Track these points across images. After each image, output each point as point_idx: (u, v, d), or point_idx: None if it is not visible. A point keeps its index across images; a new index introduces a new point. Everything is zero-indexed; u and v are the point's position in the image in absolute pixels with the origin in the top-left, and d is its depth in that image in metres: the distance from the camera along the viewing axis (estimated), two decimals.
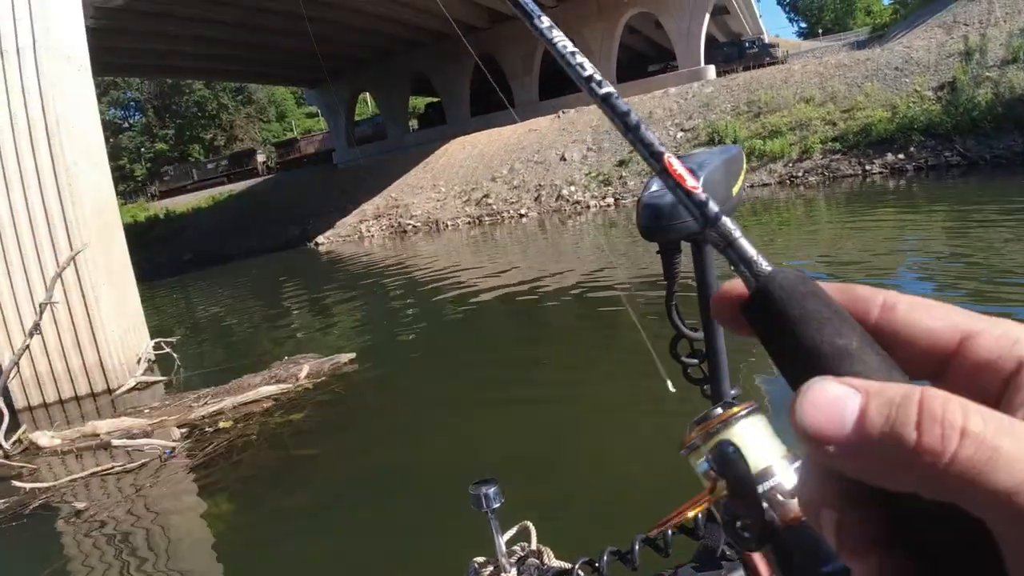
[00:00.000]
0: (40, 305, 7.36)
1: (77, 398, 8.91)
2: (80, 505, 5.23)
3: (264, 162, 47.98)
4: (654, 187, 1.03)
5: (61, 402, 8.87)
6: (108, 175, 9.62)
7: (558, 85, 33.72)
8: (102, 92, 64.63)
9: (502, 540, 1.46)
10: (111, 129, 66.95)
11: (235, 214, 40.00)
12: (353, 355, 8.09)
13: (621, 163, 25.78)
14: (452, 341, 9.58)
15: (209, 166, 51.89)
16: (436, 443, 5.77)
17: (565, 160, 27.80)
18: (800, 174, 21.15)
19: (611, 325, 8.71)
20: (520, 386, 6.85)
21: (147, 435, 6.63)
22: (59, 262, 8.38)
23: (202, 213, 43.69)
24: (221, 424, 6.48)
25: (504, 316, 10.84)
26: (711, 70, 29.96)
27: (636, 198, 1.07)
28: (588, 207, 24.88)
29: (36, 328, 7.16)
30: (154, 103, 64.78)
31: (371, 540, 4.35)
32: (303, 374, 7.49)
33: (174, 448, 6.02)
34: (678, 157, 0.77)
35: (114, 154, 65.04)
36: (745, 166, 1.17)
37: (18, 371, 8.55)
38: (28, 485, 5.68)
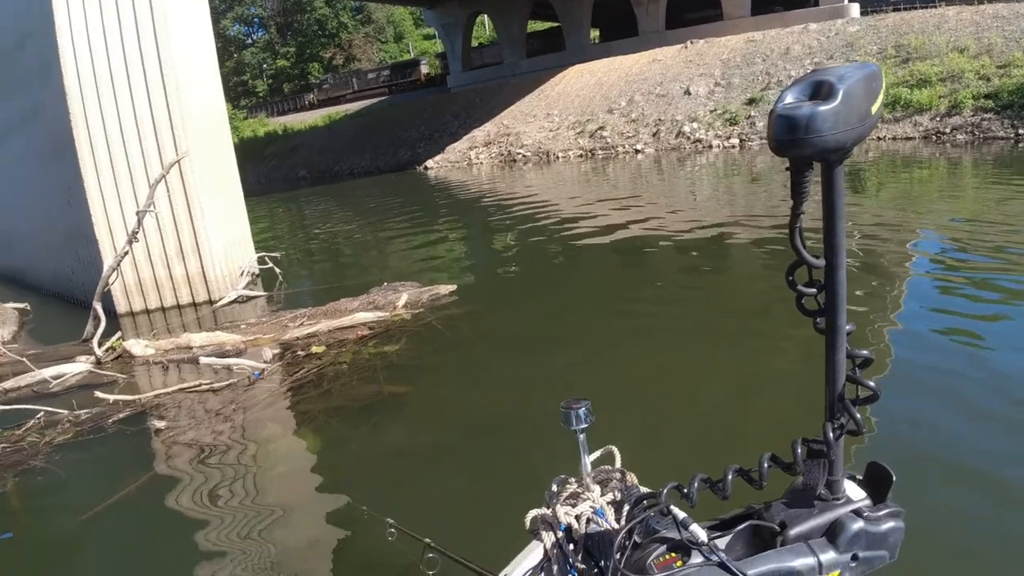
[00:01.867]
0: (137, 213, 7.19)
1: (178, 307, 8.89)
2: (161, 424, 5.00)
3: (427, 73, 46.79)
4: (788, 98, 0.95)
5: (163, 310, 8.87)
6: (219, 85, 9.32)
7: (686, 13, 31.65)
8: (227, 7, 66.27)
9: (588, 459, 1.46)
10: (235, 45, 68.83)
11: (349, 134, 40.33)
12: (453, 287, 7.60)
13: (751, 101, 23.96)
14: (553, 278, 8.94)
15: (370, 75, 51.24)
16: (530, 381, 5.28)
17: (689, 94, 26.14)
18: (947, 131, 19.00)
19: (719, 269, 8.31)
20: (621, 321, 6.55)
21: (239, 353, 6.39)
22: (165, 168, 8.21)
23: (318, 131, 44.31)
24: (313, 348, 6.14)
25: (608, 255, 10.10)
26: (855, 8, 27.20)
27: (769, 115, 0.95)
28: (710, 147, 23.37)
29: (134, 236, 7.00)
30: (276, 20, 65.83)
31: (456, 479, 4.04)
32: (401, 302, 7.06)
33: (263, 370, 5.73)
34: (815, 70, 0.95)
35: (237, 69, 67.04)
36: (884, 86, 1.02)
37: (120, 277, 8.54)
38: (112, 397, 5.52)
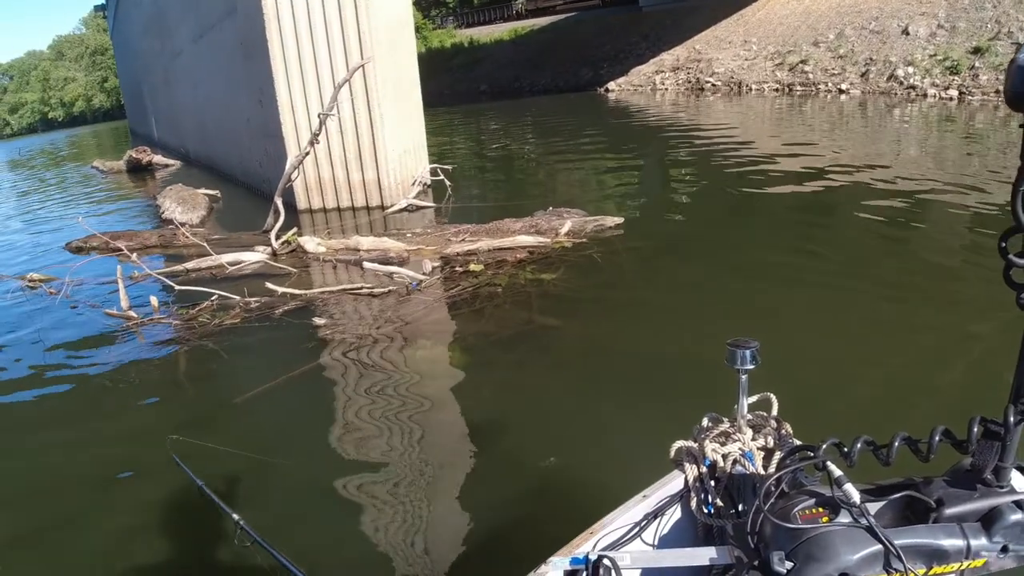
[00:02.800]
0: (319, 115, 7.37)
1: (353, 209, 9.22)
2: (320, 321, 5.18)
3: None
4: None
5: (338, 210, 9.24)
6: None
7: None
8: None
9: (746, 401, 1.44)
10: None
11: (533, 49, 39.88)
12: (620, 219, 7.26)
13: (976, 50, 20.92)
14: (726, 222, 8.34)
15: None
16: (690, 328, 4.89)
17: (908, 34, 23.27)
18: None
19: (912, 233, 7.43)
20: (796, 276, 6.05)
21: (402, 261, 6.50)
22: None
23: (503, 45, 44.14)
24: (471, 266, 6.11)
25: (790, 205, 9.24)
26: None
27: (1008, 65, 0.85)
28: (925, 95, 20.78)
29: (316, 138, 7.21)
30: None
31: (597, 411, 3.88)
32: (564, 230, 6.85)
33: (421, 281, 5.77)
34: None
35: None
36: None
37: (303, 175, 8.93)
38: (281, 289, 5.78)
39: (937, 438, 1.10)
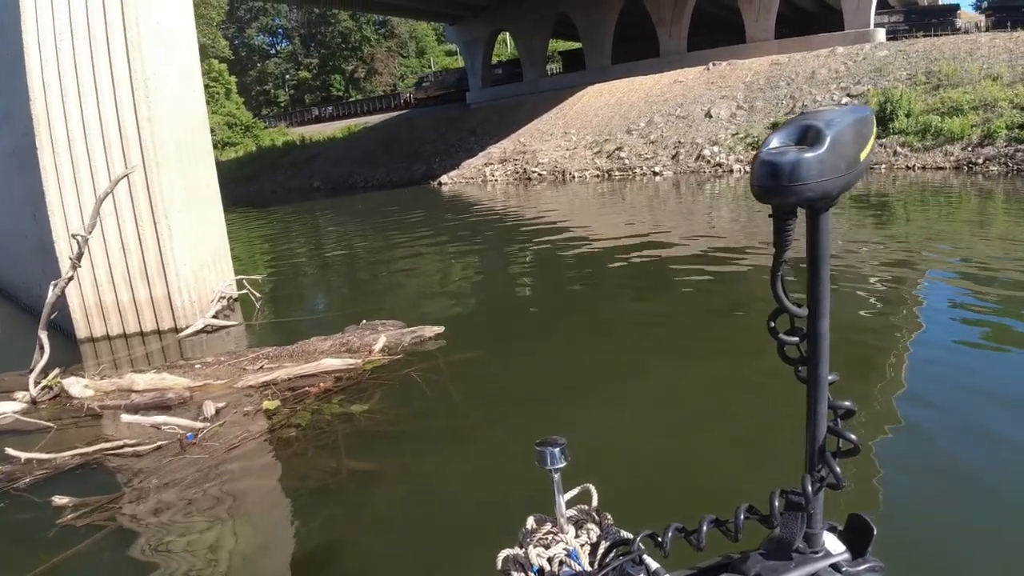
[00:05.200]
0: (75, 236, 6.34)
1: (142, 334, 8.04)
2: (62, 500, 4.09)
3: None
4: (774, 142, 0.90)
5: (125, 337, 8.03)
6: (199, 89, 8.52)
7: (709, 35, 30.81)
8: (252, 17, 66.37)
9: (563, 500, 1.45)
10: (259, 54, 68.90)
11: (366, 146, 39.75)
12: (440, 329, 6.68)
13: (775, 125, 22.84)
14: (558, 312, 8.05)
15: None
16: (525, 457, 4.28)
17: (711, 117, 25.21)
18: (980, 161, 18.06)
19: (730, 303, 7.91)
20: (613, 358, 6.30)
21: (183, 401, 5.51)
22: (130, 186, 7.40)
23: (336, 143, 43.74)
24: (265, 404, 5.23)
25: (619, 286, 9.24)
26: (881, 33, 26.23)
27: (753, 160, 0.90)
28: (731, 171, 22.39)
29: (78, 261, 6.16)
30: (300, 31, 65.81)
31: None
32: (378, 346, 6.16)
33: (198, 432, 4.82)
34: (804, 113, 0.91)
35: (260, 79, 67.06)
36: (875, 131, 0.97)
37: (80, 298, 7.74)
38: (24, 455, 4.64)
39: (742, 516, 1.10)
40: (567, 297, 8.89)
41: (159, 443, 4.72)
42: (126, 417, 4.85)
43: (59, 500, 4.08)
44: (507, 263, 11.90)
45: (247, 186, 42.21)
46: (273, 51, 70.01)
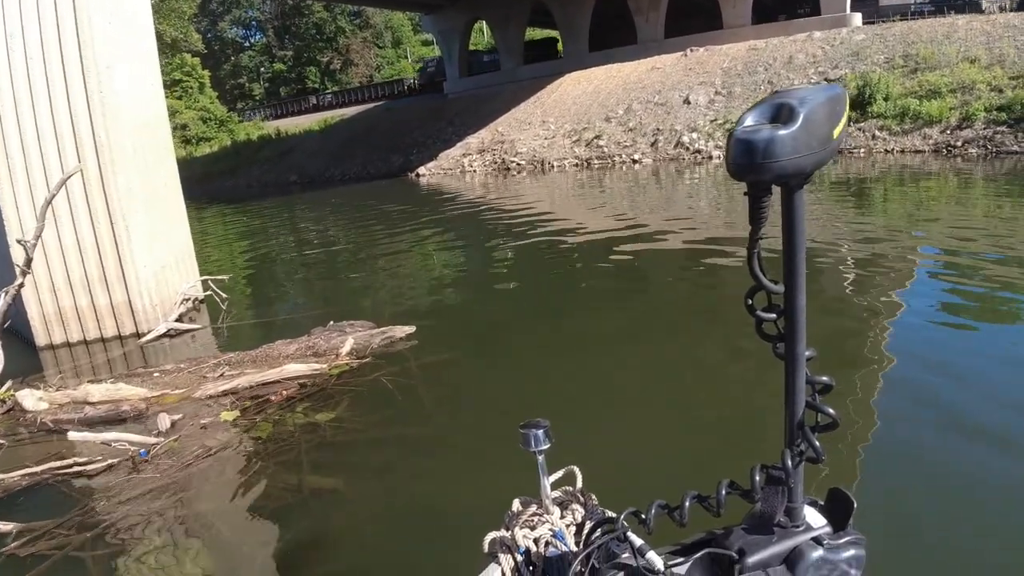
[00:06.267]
0: (21, 242, 6.04)
1: (103, 340, 7.74)
2: (6, 527, 3.83)
3: None
4: (748, 120, 0.91)
5: (86, 343, 7.72)
6: (157, 84, 8.19)
7: (686, 21, 30.59)
8: (225, 10, 65.31)
9: (548, 481, 1.47)
10: (232, 48, 67.83)
11: (343, 138, 39.26)
12: (411, 328, 6.45)
13: None
14: (535, 307, 7.87)
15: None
16: (499, 453, 4.06)
17: (689, 103, 25.05)
18: (958, 144, 18.06)
19: (709, 288, 7.94)
20: (591, 341, 6.39)
21: (138, 413, 5.25)
22: (85, 187, 7.09)
23: (312, 135, 43.16)
24: (223, 416, 4.98)
25: (601, 278, 9.06)
26: (857, 17, 26.11)
27: (727, 138, 0.92)
28: (710, 157, 22.27)
29: (26, 267, 5.87)
30: (274, 24, 64.84)
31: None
32: (345, 349, 5.93)
33: (151, 448, 4.56)
34: (777, 92, 0.92)
35: (234, 72, 66.07)
36: (848, 110, 0.99)
37: (39, 304, 7.44)
38: None
39: (724, 492, 1.11)
40: (545, 291, 8.69)
41: (110, 461, 4.46)
42: (74, 435, 4.58)
43: (3, 527, 3.83)
44: (483, 258, 11.67)
45: (222, 181, 41.60)
46: (247, 44, 68.92)
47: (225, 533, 3.90)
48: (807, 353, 1.06)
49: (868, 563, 1.11)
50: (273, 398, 5.19)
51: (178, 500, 4.10)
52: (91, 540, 3.75)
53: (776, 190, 0.95)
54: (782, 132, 0.87)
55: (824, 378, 1.07)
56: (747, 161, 0.89)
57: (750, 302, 1.07)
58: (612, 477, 3.35)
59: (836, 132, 0.94)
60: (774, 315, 1.07)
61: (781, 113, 0.89)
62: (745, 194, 0.97)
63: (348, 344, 5.96)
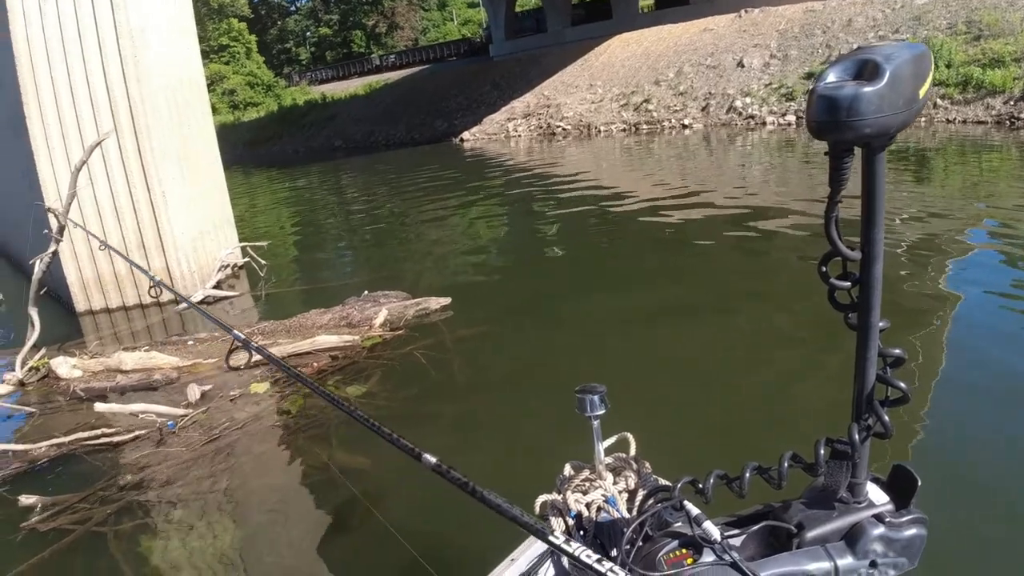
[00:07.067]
0: (49, 210, 5.97)
1: (142, 306, 7.73)
2: (30, 500, 3.76)
3: None
4: (831, 76, 0.87)
5: (124, 308, 7.73)
6: (194, 47, 8.02)
7: None
8: None
9: (602, 447, 1.46)
10: (278, 12, 67.92)
11: (387, 103, 39.06)
12: (446, 300, 6.24)
13: (810, 75, 21.84)
14: (580, 280, 7.56)
15: None
16: (536, 450, 3.84)
17: (743, 67, 24.10)
18: (1022, 116, 16.88)
19: (763, 255, 7.66)
20: (640, 312, 6.13)
21: (170, 382, 5.17)
22: (121, 152, 7.01)
23: (357, 100, 43.04)
24: (252, 387, 4.86)
25: (644, 245, 8.75)
26: None
27: (809, 94, 0.89)
28: (764, 123, 21.42)
29: (60, 234, 5.80)
30: None
31: None
32: (379, 320, 5.75)
33: (179, 420, 4.46)
34: (861, 47, 0.88)
35: (280, 37, 66.24)
36: (933, 69, 0.93)
37: (78, 270, 7.44)
38: (0, 447, 4.33)
39: (786, 464, 1.09)
40: (588, 261, 8.39)
41: (137, 433, 4.38)
42: (101, 407, 4.50)
43: (27, 500, 3.76)
44: (526, 227, 11.40)
45: (269, 146, 41.93)
46: (293, 8, 69.00)
47: (250, 509, 3.78)
48: (880, 324, 1.03)
49: (928, 543, 1.08)
50: (305, 370, 5.04)
51: (204, 474, 3.99)
52: (114, 515, 3.66)
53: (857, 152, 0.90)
54: (867, 89, 0.83)
55: (896, 351, 1.04)
56: (830, 119, 0.85)
57: (824, 269, 1.03)
58: (662, 447, 3.15)
59: (922, 92, 0.90)
60: (848, 284, 1.02)
61: (865, 69, 0.85)
62: (825, 154, 0.92)
63: (382, 315, 5.78)
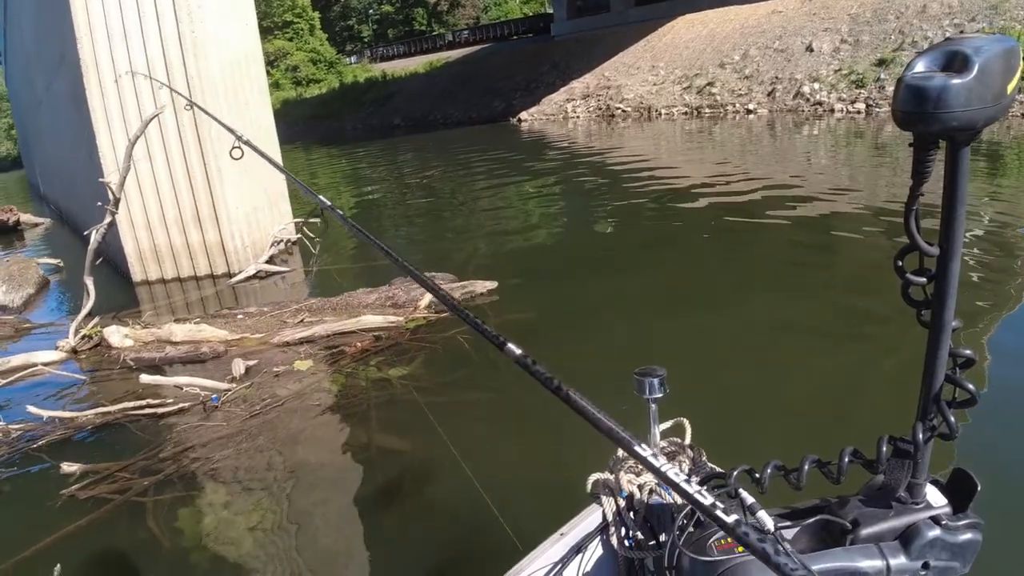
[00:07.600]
0: (101, 181, 6.06)
1: (196, 278, 7.86)
2: (71, 468, 3.82)
3: None
4: (919, 66, 0.86)
5: (180, 280, 7.86)
6: (251, 23, 8.02)
7: None
8: None
9: (658, 430, 1.45)
10: None
11: (446, 82, 39.09)
12: (493, 284, 6.14)
13: (881, 62, 20.94)
14: (634, 268, 7.36)
15: None
16: (580, 441, 3.75)
17: (812, 51, 23.24)
18: None
19: (827, 250, 7.32)
20: (700, 299, 6.03)
21: (218, 355, 5.21)
22: (179, 126, 7.08)
23: (417, 78, 43.19)
24: (296, 364, 4.85)
25: (701, 230, 8.48)
26: None
27: (896, 84, 0.87)
28: (832, 110, 20.64)
29: (116, 204, 5.88)
30: None
31: None
32: (424, 302, 5.68)
33: (221, 395, 4.48)
34: (950, 38, 0.86)
35: (343, 14, 66.78)
36: (1023, 65, 0.89)
37: (135, 241, 7.58)
38: (47, 413, 4.42)
39: (847, 459, 1.09)
40: (643, 251, 8.16)
41: (182, 405, 4.42)
42: (145, 378, 4.55)
43: (68, 467, 3.82)
44: (579, 209, 11.21)
45: (330, 123, 42.40)
46: None
47: (287, 488, 3.76)
48: (954, 323, 1.01)
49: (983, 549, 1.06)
50: (348, 350, 5.02)
51: (244, 450, 3.99)
52: (154, 486, 3.68)
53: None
54: (956, 81, 0.82)
55: (967, 351, 1.02)
56: (916, 110, 0.84)
57: (900, 263, 1.03)
58: (718, 437, 3.02)
59: (1010, 87, 0.88)
60: (924, 279, 1.01)
61: (955, 61, 0.84)
62: (910, 145, 0.92)
63: (427, 297, 5.72)
